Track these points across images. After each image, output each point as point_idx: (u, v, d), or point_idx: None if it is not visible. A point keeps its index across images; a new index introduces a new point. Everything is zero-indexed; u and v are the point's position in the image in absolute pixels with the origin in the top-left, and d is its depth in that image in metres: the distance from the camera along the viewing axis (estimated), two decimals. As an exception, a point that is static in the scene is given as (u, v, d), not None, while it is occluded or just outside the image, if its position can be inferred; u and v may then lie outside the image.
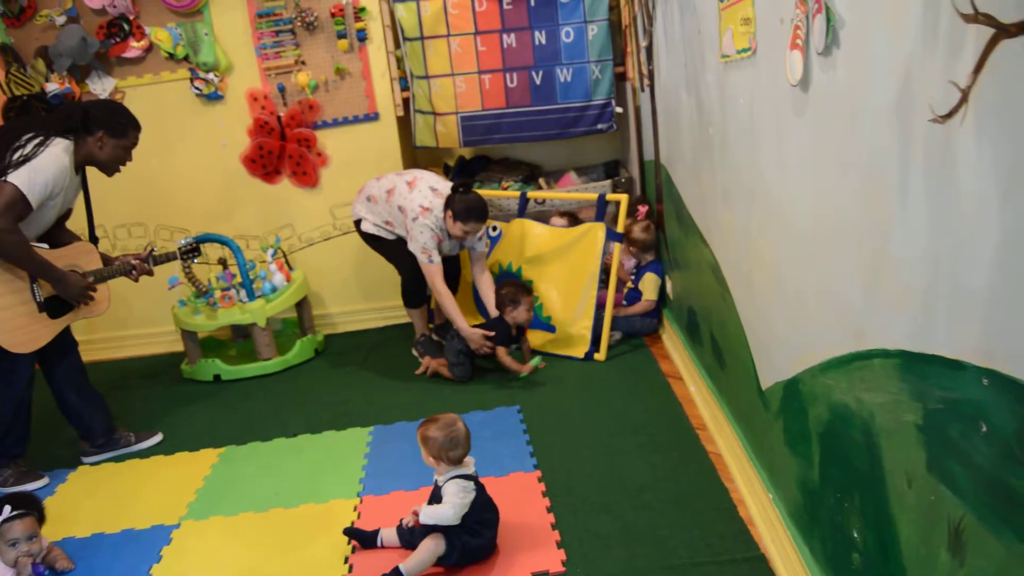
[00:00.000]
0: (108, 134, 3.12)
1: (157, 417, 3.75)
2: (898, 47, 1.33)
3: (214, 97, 4.48)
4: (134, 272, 3.37)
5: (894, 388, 1.47)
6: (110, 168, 3.21)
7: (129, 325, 4.77)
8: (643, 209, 4.17)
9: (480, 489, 2.33)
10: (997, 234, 1.11)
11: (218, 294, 4.11)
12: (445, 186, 3.84)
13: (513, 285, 3.77)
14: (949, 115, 1.20)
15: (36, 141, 2.98)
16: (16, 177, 2.87)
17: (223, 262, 4.29)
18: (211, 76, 4.44)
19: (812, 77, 1.74)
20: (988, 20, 1.08)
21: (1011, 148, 1.06)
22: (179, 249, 3.65)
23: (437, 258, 3.77)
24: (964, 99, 1.16)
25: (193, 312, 4.12)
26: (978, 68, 1.11)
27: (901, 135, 1.36)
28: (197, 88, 4.46)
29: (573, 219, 4.23)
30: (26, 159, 2.92)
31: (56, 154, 2.99)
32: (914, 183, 1.33)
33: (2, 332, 2.97)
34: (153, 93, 4.51)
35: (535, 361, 3.60)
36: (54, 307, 3.13)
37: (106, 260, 3.37)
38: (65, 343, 3.32)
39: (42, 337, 3.09)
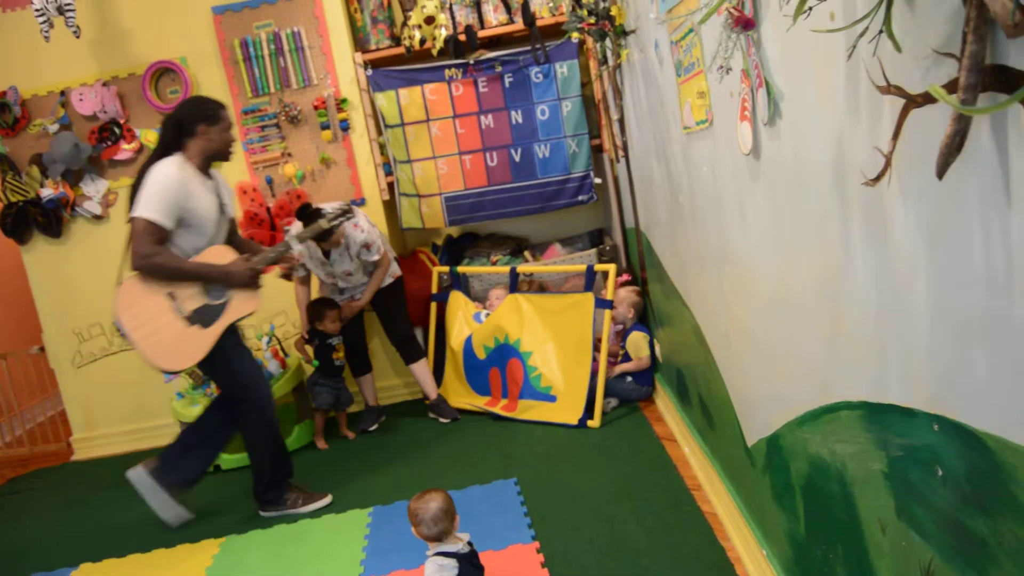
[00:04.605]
0: (208, 123, 3.18)
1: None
2: (830, 117, 1.43)
3: (204, 193, 4.60)
4: (287, 256, 3.46)
5: (861, 438, 1.53)
6: (225, 154, 3.28)
7: (128, 420, 4.80)
8: (624, 277, 4.27)
9: (467, 566, 2.31)
10: (929, 287, 1.19)
11: (214, 385, 4.16)
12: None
13: (319, 303, 4.12)
14: (877, 178, 1.29)
15: (144, 175, 3.10)
16: (137, 210, 3.02)
17: (219, 353, 4.36)
18: (201, 173, 4.56)
19: (762, 146, 1.84)
20: (899, 91, 1.17)
21: (929, 207, 1.14)
22: (327, 218, 3.57)
23: (299, 272, 4.15)
24: (888, 163, 1.25)
25: (191, 403, 4.16)
26: (896, 135, 1.20)
27: (840, 198, 1.44)
28: (188, 185, 4.58)
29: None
30: (140, 192, 3.06)
31: (162, 172, 3.07)
32: (857, 243, 1.41)
33: (160, 355, 3.10)
34: (145, 192, 4.63)
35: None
36: (203, 317, 3.19)
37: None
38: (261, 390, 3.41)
39: (202, 348, 3.16)
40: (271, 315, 4.66)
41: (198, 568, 3.12)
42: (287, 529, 3.31)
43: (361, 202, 4.56)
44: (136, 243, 3.01)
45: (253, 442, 3.40)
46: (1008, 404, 1.03)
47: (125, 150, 4.58)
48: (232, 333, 3.27)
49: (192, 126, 3.16)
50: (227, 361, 3.27)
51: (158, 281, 3.11)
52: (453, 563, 2.28)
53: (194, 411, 4.10)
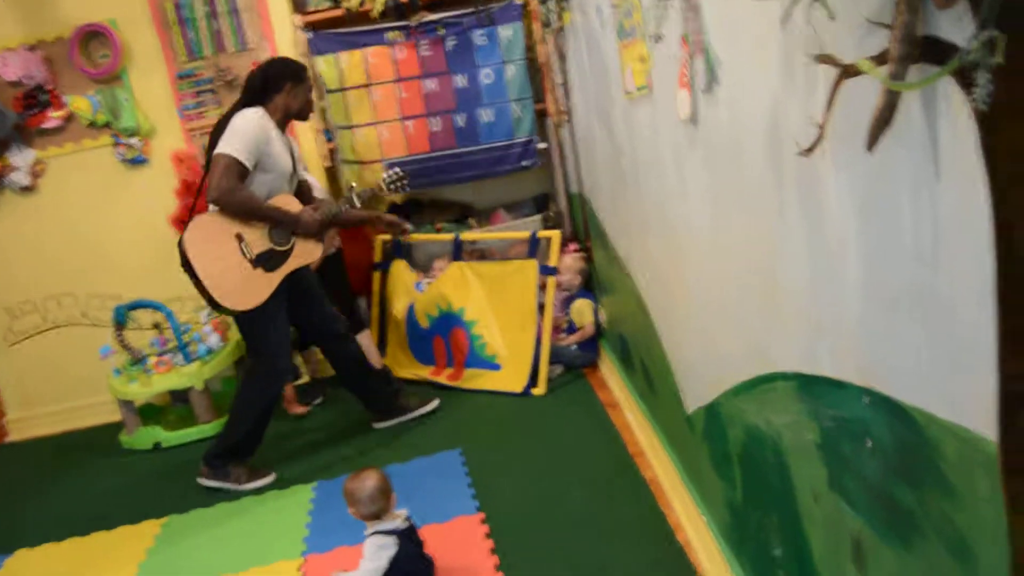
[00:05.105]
0: (293, 83, 3.30)
1: (95, 490, 3.68)
2: (766, 85, 1.40)
3: (138, 161, 4.46)
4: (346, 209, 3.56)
5: (794, 409, 1.53)
6: (305, 113, 3.42)
7: (64, 398, 4.67)
8: (573, 246, 4.25)
9: (407, 542, 2.30)
10: (859, 260, 1.18)
11: (153, 360, 4.06)
12: None
13: None
14: (811, 149, 1.27)
15: (225, 121, 3.21)
16: (221, 147, 3.12)
17: (157, 327, 4.25)
18: (134, 141, 4.42)
19: (700, 113, 1.81)
20: (832, 61, 1.15)
21: (861, 179, 1.13)
22: (384, 182, 3.73)
23: None
24: (821, 134, 1.23)
25: (128, 380, 4.05)
26: (829, 105, 1.18)
27: (776, 168, 1.43)
28: (120, 153, 4.44)
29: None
30: (223, 133, 3.16)
31: (246, 116, 3.18)
32: (791, 213, 1.40)
33: (224, 293, 3.17)
34: (76, 162, 4.47)
35: None
36: (267, 261, 3.26)
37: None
38: (336, 328, 3.59)
39: (263, 292, 3.23)
40: (211, 286, 4.55)
41: (138, 550, 3.06)
42: (229, 507, 3.26)
43: (301, 170, 4.45)
44: (218, 177, 3.09)
45: (244, 403, 3.38)
46: (934, 379, 1.03)
47: (53, 118, 4.40)
48: (282, 294, 3.30)
49: (279, 82, 3.28)
50: (264, 322, 3.30)
51: (231, 218, 3.19)
52: (392, 540, 2.26)
53: (132, 388, 4.01)
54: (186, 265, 3.19)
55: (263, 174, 3.22)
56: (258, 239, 3.24)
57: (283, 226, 3.28)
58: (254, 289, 3.22)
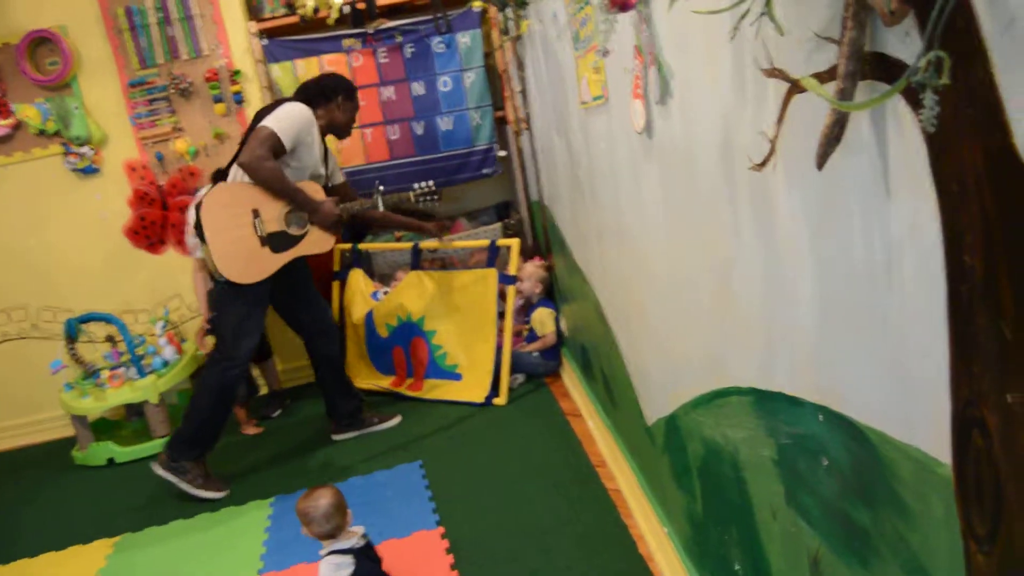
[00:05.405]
0: (345, 97, 3.45)
1: (46, 509, 3.58)
2: (718, 98, 1.39)
3: (90, 171, 4.36)
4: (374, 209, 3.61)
5: (751, 424, 1.51)
6: (346, 130, 3.54)
7: (12, 414, 4.55)
8: (537, 259, 4.23)
9: (363, 560, 2.25)
10: (813, 277, 1.16)
11: (106, 374, 3.97)
12: None
13: None
14: (763, 163, 1.25)
15: (275, 105, 3.32)
16: (267, 121, 3.21)
17: (111, 340, 4.15)
18: (85, 150, 4.32)
19: (654, 124, 1.79)
20: (782, 75, 1.13)
21: (813, 195, 1.11)
22: (414, 194, 3.70)
23: (197, 253, 4.07)
24: (773, 149, 1.21)
25: (81, 395, 3.95)
26: (780, 119, 1.17)
27: (729, 181, 1.41)
28: (71, 163, 4.33)
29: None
30: (271, 113, 3.26)
31: (297, 106, 3.31)
32: (745, 228, 1.38)
33: (226, 262, 3.21)
34: (25, 171, 4.36)
35: None
36: (276, 242, 3.30)
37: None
38: (325, 326, 3.63)
39: (264, 270, 3.27)
40: (165, 298, 4.47)
41: (89, 570, 2.97)
42: (184, 524, 3.18)
43: (258, 179, 4.38)
44: (256, 145, 3.17)
45: (199, 394, 3.36)
46: (887, 400, 1.01)
47: (1, 126, 4.29)
48: (271, 282, 3.32)
49: (333, 94, 3.44)
50: (243, 302, 3.29)
51: (253, 192, 3.24)
52: (349, 560, 2.20)
53: (84, 403, 3.91)
54: (198, 227, 3.27)
55: (295, 162, 3.30)
56: (274, 219, 3.28)
57: (303, 210, 3.32)
58: (254, 264, 3.26)
